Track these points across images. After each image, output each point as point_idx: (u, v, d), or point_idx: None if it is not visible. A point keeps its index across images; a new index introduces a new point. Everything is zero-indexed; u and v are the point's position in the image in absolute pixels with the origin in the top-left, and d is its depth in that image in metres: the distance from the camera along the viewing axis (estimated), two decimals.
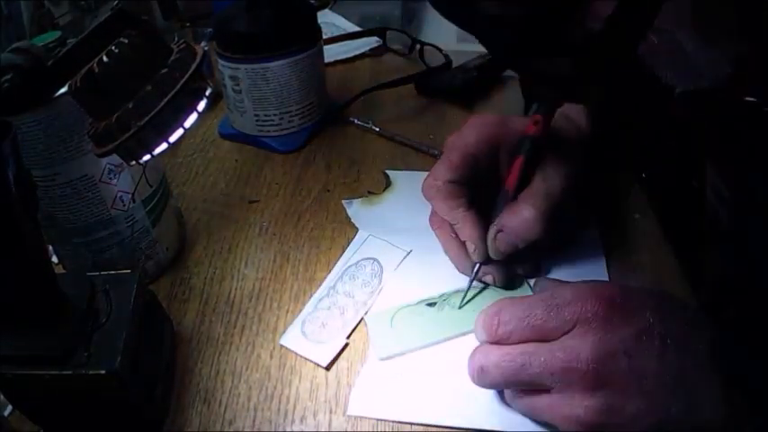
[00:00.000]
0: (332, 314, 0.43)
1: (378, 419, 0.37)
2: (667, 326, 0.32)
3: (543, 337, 0.33)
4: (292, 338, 0.42)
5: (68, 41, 0.37)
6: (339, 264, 0.48)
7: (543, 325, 0.33)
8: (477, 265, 0.44)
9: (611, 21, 0.27)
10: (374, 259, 0.47)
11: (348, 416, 0.37)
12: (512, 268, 0.45)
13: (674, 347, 0.31)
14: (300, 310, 0.44)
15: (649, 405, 0.30)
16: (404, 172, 0.57)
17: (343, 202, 0.54)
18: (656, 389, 0.31)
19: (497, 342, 0.34)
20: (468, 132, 0.45)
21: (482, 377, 0.35)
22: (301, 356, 0.41)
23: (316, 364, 0.40)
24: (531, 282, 0.45)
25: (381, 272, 0.46)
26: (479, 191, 0.45)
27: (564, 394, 0.32)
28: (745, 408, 0.30)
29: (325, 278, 0.46)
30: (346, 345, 0.41)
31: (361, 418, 0.37)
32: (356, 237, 0.50)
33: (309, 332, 0.42)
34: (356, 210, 0.53)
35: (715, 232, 0.47)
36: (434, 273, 0.46)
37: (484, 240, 0.43)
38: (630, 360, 0.31)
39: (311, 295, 0.45)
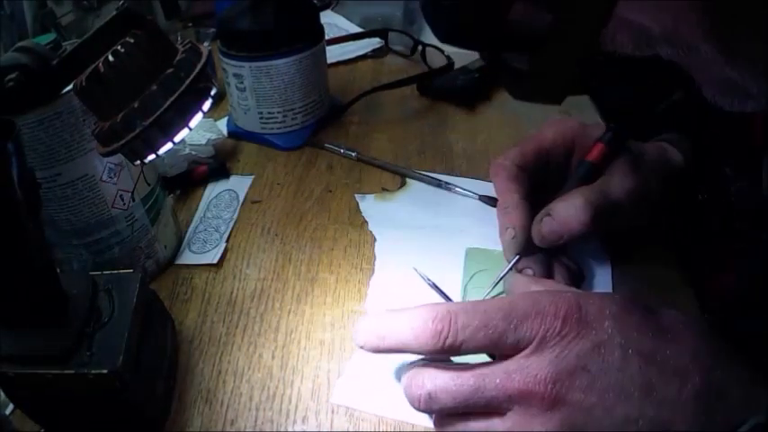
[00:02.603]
0: (209, 233, 0.52)
1: (360, 411, 0.37)
2: (628, 335, 0.30)
3: (496, 351, 0.32)
4: (184, 256, 0.50)
5: (64, 43, 0.37)
6: (203, 201, 0.56)
7: (500, 340, 0.31)
8: (517, 257, 0.43)
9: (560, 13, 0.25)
10: (230, 190, 0.57)
11: (349, 416, 0.37)
12: (552, 270, 0.43)
13: (637, 358, 0.30)
14: (184, 239, 0.52)
15: (614, 420, 0.29)
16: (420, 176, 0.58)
17: (356, 196, 0.55)
18: (620, 402, 0.29)
19: (442, 351, 0.32)
20: (546, 128, 0.47)
21: (430, 403, 0.32)
22: (194, 264, 0.49)
23: (209, 264, 0.48)
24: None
25: (237, 196, 0.56)
26: (542, 193, 0.45)
27: (522, 417, 0.30)
28: (723, 420, 0.28)
29: (195, 213, 0.55)
30: (226, 248, 0.50)
31: (363, 419, 0.37)
32: (208, 187, 0.58)
33: (196, 249, 0.51)
34: (369, 205, 0.54)
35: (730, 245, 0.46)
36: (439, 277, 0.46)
37: (527, 231, 0.42)
38: (590, 375, 0.29)
39: (188, 227, 0.53)
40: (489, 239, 0.48)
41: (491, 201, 0.52)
